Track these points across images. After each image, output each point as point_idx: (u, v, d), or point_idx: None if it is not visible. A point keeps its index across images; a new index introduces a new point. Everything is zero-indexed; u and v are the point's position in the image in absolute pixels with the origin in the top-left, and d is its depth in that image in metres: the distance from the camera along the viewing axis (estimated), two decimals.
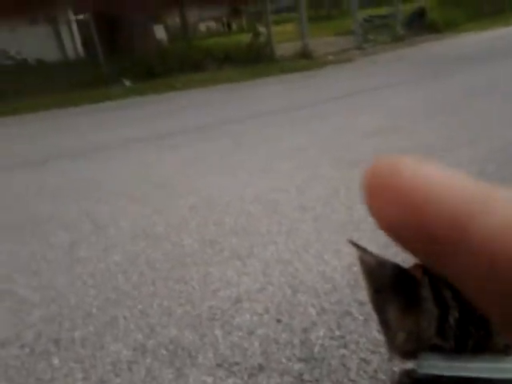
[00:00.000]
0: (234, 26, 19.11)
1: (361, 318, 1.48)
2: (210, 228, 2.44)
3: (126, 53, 9.90)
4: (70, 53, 11.96)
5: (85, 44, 11.65)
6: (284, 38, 11.83)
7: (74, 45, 12.11)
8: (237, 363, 1.36)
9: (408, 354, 0.65)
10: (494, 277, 0.12)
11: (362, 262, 0.65)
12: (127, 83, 9.29)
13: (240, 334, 1.50)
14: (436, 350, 0.61)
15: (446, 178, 0.13)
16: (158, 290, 1.86)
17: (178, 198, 3.00)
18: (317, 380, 1.24)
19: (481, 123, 3.95)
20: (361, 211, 2.40)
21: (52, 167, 4.33)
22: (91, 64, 9.98)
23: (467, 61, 7.74)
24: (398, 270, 0.64)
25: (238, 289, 1.78)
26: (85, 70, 9.68)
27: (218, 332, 1.53)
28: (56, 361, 1.50)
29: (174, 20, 15.19)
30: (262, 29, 11.93)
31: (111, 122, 6.48)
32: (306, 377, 1.26)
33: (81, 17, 11.94)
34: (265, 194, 2.87)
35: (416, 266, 0.66)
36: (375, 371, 1.22)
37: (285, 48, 10.95)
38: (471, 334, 0.61)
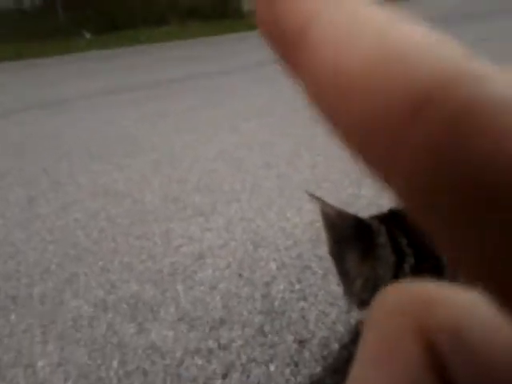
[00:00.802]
0: None
1: (320, 272, 1.51)
2: (172, 185, 2.41)
3: (85, 2, 9.41)
4: (26, 1, 11.29)
5: None
6: None
7: None
8: (198, 317, 1.38)
9: (365, 302, 0.66)
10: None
11: (323, 214, 0.65)
12: (88, 35, 8.89)
13: (202, 288, 1.51)
14: None
15: None
16: (119, 246, 1.84)
17: (140, 154, 2.94)
18: (277, 332, 1.27)
19: None
20: (323, 169, 2.42)
21: (10, 121, 4.15)
22: (49, 14, 9.47)
23: None
24: (356, 220, 0.65)
25: (201, 245, 1.78)
26: (42, 20, 9.18)
27: (179, 287, 1.53)
28: (13, 317, 1.47)
29: None
30: None
31: (72, 76, 6.22)
32: (267, 328, 1.28)
33: None
34: (229, 151, 2.85)
35: (373, 216, 0.67)
36: (333, 323, 1.25)
37: (253, 2, 10.65)
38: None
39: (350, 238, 0.76)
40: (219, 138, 3.15)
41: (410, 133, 0.10)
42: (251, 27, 9.15)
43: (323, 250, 1.52)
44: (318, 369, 1.11)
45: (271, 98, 4.12)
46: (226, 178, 2.45)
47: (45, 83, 5.89)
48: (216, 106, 4.02)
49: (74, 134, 3.53)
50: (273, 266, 1.60)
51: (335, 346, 1.16)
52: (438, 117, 0.09)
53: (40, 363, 1.25)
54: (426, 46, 0.10)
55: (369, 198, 2.02)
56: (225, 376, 1.13)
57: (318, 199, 0.84)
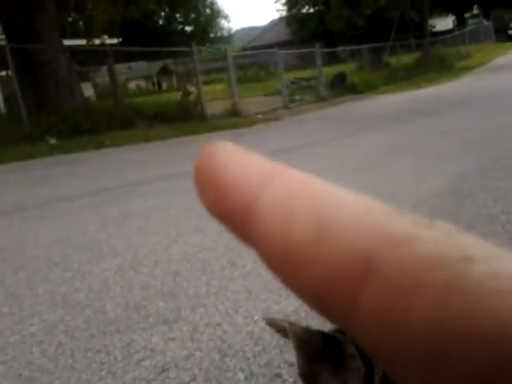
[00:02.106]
0: (164, 85, 19.41)
1: (290, 380, 1.45)
2: (134, 292, 2.34)
3: (51, 110, 9.67)
4: None
5: (7, 100, 11.29)
6: (214, 97, 12.14)
7: None
8: None
9: None
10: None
11: (292, 334, 0.63)
12: (52, 141, 9.03)
13: None
14: None
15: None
16: (77, 363, 1.73)
17: (101, 260, 2.88)
18: None
19: (398, 177, 4.19)
20: None
21: None
22: (14, 121, 9.64)
23: (382, 120, 8.30)
24: (323, 334, 0.63)
25: (164, 356, 1.70)
26: (6, 128, 9.31)
27: None
28: None
29: (103, 78, 15.20)
30: (191, 88, 12.19)
31: (32, 181, 6.21)
32: None
33: (3, 73, 11.65)
34: (193, 252, 2.82)
35: (337, 329, 0.65)
36: None
37: (215, 107, 11.21)
38: None
39: (320, 353, 0.74)
40: (183, 239, 3.14)
41: (360, 295, 0.11)
42: (214, 128, 9.55)
43: (292, 355, 1.47)
44: None
45: None
46: (190, 280, 2.41)
47: (4, 190, 5.84)
48: (179, 207, 4.05)
49: (34, 243, 3.44)
50: (241, 376, 1.53)
51: None
52: (379, 279, 0.10)
53: None
54: (359, 212, 0.11)
55: None
56: None
57: (283, 322, 0.82)
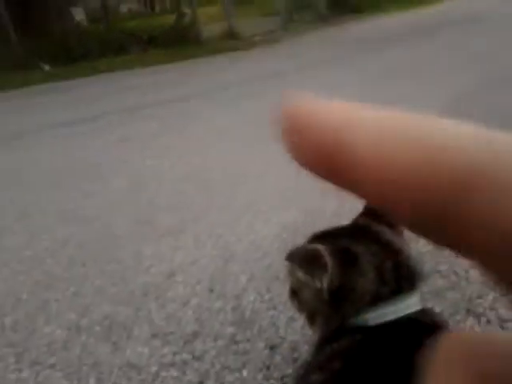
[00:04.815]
0: (158, 8, 18.62)
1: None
2: (140, 208, 2.43)
3: (41, 34, 9.37)
4: None
5: None
6: (210, 20, 11.71)
7: None
8: (172, 332, 1.41)
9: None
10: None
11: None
12: (46, 67, 8.85)
13: (174, 305, 1.54)
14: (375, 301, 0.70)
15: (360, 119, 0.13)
16: (90, 271, 1.85)
17: (106, 181, 2.96)
18: (248, 340, 1.31)
19: (400, 98, 4.18)
20: (290, 183, 2.50)
21: None
22: (2, 46, 9.37)
23: (385, 41, 8.07)
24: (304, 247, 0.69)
25: (171, 264, 1.82)
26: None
27: (152, 305, 1.56)
28: None
29: (94, 2, 14.56)
30: (186, 10, 11.73)
31: (32, 109, 6.17)
32: (239, 338, 1.33)
33: None
34: (195, 173, 2.90)
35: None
36: (302, 327, 1.31)
37: (211, 30, 10.83)
38: (403, 275, 0.70)
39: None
40: (184, 161, 3.20)
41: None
42: (210, 52, 9.31)
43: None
44: (289, 371, 1.16)
45: (235, 120, 4.21)
46: (193, 197, 2.50)
47: (3, 117, 5.82)
48: (181, 131, 4.08)
49: (38, 166, 3.51)
50: (243, 278, 1.64)
51: (304, 348, 1.21)
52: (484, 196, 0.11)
53: None
54: (457, 137, 0.12)
55: (333, 209, 2.11)
56: None
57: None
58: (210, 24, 11.35)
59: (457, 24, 8.48)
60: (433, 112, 0.12)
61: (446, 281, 1.40)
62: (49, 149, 4.00)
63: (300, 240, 1.89)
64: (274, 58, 8.35)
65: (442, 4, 13.03)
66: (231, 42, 10.26)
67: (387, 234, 0.83)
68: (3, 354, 1.43)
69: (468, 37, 6.88)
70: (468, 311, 1.24)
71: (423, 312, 0.78)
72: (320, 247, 0.77)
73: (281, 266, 1.68)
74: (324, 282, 0.75)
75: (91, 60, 9.02)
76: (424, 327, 0.75)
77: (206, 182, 2.71)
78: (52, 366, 1.34)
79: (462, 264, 1.47)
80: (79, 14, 13.00)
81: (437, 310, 1.25)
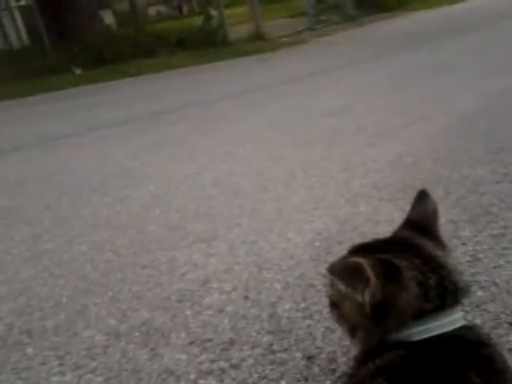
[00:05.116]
0: (185, 10, 18.79)
1: (324, 289, 1.57)
2: (172, 214, 2.47)
3: (73, 39, 9.58)
4: (14, 42, 11.45)
5: (29, 32, 11.19)
6: (236, 21, 11.75)
7: (17, 33, 11.58)
8: (209, 340, 1.43)
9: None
10: None
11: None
12: (77, 71, 9.04)
13: (210, 312, 1.57)
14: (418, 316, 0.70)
15: None
16: (127, 276, 1.89)
17: (137, 185, 3.01)
18: (285, 349, 1.32)
19: (433, 98, 4.12)
20: (319, 190, 2.50)
21: (10, 159, 4.23)
22: (38, 52, 9.62)
23: (415, 39, 7.96)
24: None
25: (205, 270, 1.84)
26: (31, 59, 9.32)
27: (188, 312, 1.58)
28: (30, 350, 1.52)
29: (122, 4, 14.79)
30: (213, 12, 11.80)
31: (62, 112, 6.32)
32: (275, 347, 1.34)
33: (23, 3, 11.45)
34: (225, 177, 2.92)
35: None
36: (340, 338, 1.31)
37: (238, 31, 10.89)
38: (448, 290, 0.71)
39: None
40: (214, 165, 3.23)
41: None
42: (238, 54, 9.35)
43: (325, 267, 1.58)
44: (328, 382, 1.16)
45: (262, 123, 4.23)
46: (224, 203, 2.52)
47: (37, 121, 5.98)
48: (209, 134, 4.12)
49: (71, 171, 3.60)
50: (277, 286, 1.65)
51: (342, 360, 1.21)
52: None
53: None
54: None
55: (366, 214, 2.10)
56: None
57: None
58: (237, 25, 11.39)
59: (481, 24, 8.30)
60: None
61: (486, 292, 1.38)
62: (82, 153, 4.09)
63: (333, 248, 1.89)
64: (301, 59, 8.33)
65: (469, 1, 12.77)
66: (258, 43, 10.28)
67: (430, 246, 0.82)
68: (46, 356, 1.48)
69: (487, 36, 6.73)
70: (511, 325, 1.22)
71: (467, 328, 0.78)
72: (362, 260, 0.77)
73: (315, 275, 1.68)
74: (366, 296, 0.75)
75: (121, 63, 9.17)
76: (468, 343, 0.74)
77: (235, 187, 2.73)
78: (93, 371, 1.38)
79: (503, 275, 1.44)
80: (108, 17, 13.21)
81: (477, 323, 1.24)
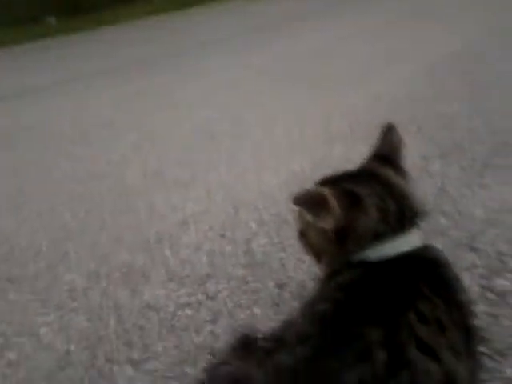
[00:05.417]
0: None
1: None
2: (152, 162, 2.48)
3: None
4: None
5: None
6: None
7: None
8: (187, 276, 1.48)
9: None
10: None
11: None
12: (52, 21, 8.74)
13: (188, 251, 1.61)
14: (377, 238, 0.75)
15: None
16: (106, 223, 1.92)
17: (118, 136, 3.00)
18: (259, 280, 1.37)
19: (416, 41, 4.08)
20: (296, 134, 2.51)
21: None
22: (10, 1, 9.24)
23: None
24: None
25: (184, 213, 1.87)
26: (3, 8, 8.96)
27: (167, 252, 1.63)
28: (12, 296, 1.56)
29: None
30: None
31: (41, 63, 6.16)
32: (250, 279, 1.39)
33: None
34: (204, 125, 2.92)
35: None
36: (309, 266, 1.36)
37: None
38: (405, 215, 0.75)
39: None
40: (194, 113, 3.21)
41: None
42: None
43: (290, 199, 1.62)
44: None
45: (242, 70, 4.18)
46: (203, 150, 2.53)
47: (14, 72, 5.83)
48: (188, 82, 4.07)
49: (52, 122, 3.56)
50: (253, 224, 1.70)
51: (312, 286, 1.27)
52: None
53: (42, 330, 1.35)
54: None
55: (341, 154, 2.13)
56: (214, 322, 1.24)
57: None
58: None
59: None
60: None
61: (450, 220, 1.43)
62: (62, 104, 4.03)
63: (308, 187, 1.92)
64: (280, 4, 8.11)
65: None
66: None
67: (392, 176, 0.86)
68: (28, 300, 1.52)
69: None
70: (469, 247, 1.28)
71: (423, 248, 0.82)
72: (325, 190, 0.80)
73: (289, 212, 1.72)
74: (329, 223, 0.79)
75: (97, 12, 8.87)
76: (423, 261, 0.79)
77: (213, 134, 2.74)
78: (75, 310, 1.43)
79: (467, 204, 1.49)
80: None
81: (439, 247, 1.29)
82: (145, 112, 3.43)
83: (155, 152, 2.61)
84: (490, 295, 1.10)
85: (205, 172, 2.23)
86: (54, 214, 2.10)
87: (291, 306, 1.21)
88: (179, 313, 1.31)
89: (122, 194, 2.15)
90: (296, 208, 0.86)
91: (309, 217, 0.81)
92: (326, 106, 2.82)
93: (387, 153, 0.91)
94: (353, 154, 2.09)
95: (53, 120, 3.62)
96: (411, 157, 1.88)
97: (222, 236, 1.65)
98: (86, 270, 1.63)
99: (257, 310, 1.24)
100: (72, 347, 1.26)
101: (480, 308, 1.06)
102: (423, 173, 1.75)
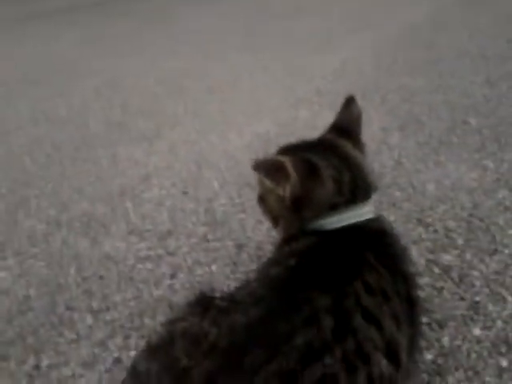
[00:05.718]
0: None
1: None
2: (115, 110, 2.44)
3: None
4: None
5: None
6: None
7: None
8: (147, 230, 1.51)
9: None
10: None
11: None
12: None
13: (149, 206, 1.64)
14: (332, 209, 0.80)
15: None
16: (67, 170, 1.91)
17: (79, 79, 2.91)
18: (218, 239, 1.43)
19: (383, 8, 4.08)
20: (263, 94, 2.52)
21: None
22: None
23: None
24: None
25: (147, 167, 1.88)
26: None
27: (128, 205, 1.65)
28: None
29: None
30: None
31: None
32: (210, 237, 1.44)
33: None
34: (170, 76, 2.87)
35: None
36: (268, 229, 1.42)
37: None
38: (359, 187, 0.81)
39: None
40: (160, 62, 3.14)
41: None
42: None
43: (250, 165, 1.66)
44: (254, 267, 1.29)
45: (210, 21, 4.07)
46: (168, 102, 2.51)
47: None
48: (155, 29, 3.94)
49: (9, 60, 3.39)
50: (215, 184, 1.73)
51: (268, 248, 1.34)
52: None
53: (2, 275, 1.36)
54: None
55: (305, 119, 2.17)
56: (172, 276, 1.29)
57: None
58: None
59: None
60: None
61: (403, 193, 1.52)
62: (21, 41, 3.83)
63: (271, 150, 1.97)
64: None
65: None
66: None
67: (349, 148, 0.91)
68: None
69: None
70: (419, 221, 1.37)
71: (374, 219, 0.89)
72: (284, 158, 0.84)
73: (251, 174, 1.77)
74: (287, 190, 0.84)
75: None
76: (372, 232, 0.85)
77: (180, 86, 2.70)
78: (35, 256, 1.44)
79: (421, 178, 1.58)
80: None
81: (391, 219, 1.38)
82: (107, 57, 3.32)
83: (118, 100, 2.56)
84: (435, 269, 1.19)
85: (169, 126, 2.22)
86: (13, 158, 2.06)
87: (248, 266, 1.28)
88: (139, 266, 1.35)
89: (84, 142, 2.13)
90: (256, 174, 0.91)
91: (268, 183, 0.86)
92: (293, 68, 2.83)
93: (346, 125, 0.96)
94: (318, 121, 2.14)
95: (9, 57, 3.45)
96: (372, 128, 1.94)
97: (185, 193, 1.68)
98: (46, 216, 1.63)
99: (215, 268, 1.30)
100: (32, 293, 1.29)
101: (425, 280, 1.16)
102: (382, 145, 1.82)
